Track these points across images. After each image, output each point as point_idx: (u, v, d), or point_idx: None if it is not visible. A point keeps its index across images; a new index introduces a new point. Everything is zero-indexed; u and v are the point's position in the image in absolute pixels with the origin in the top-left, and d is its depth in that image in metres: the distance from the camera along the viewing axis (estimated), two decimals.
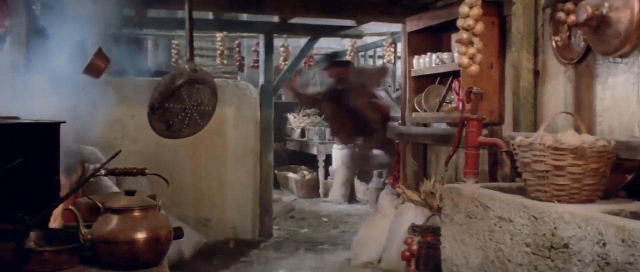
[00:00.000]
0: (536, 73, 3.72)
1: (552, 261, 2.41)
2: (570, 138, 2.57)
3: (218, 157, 6.30)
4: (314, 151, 9.84)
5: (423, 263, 4.26)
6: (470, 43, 3.63)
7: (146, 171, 2.04)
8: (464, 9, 3.61)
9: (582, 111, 3.33)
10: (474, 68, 3.66)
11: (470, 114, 3.63)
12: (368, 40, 9.52)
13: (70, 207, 1.88)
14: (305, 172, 9.86)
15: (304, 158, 10.50)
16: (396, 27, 7.32)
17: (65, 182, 2.64)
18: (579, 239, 2.28)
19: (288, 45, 8.89)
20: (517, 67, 3.70)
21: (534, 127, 3.61)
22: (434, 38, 4.93)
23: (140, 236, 1.78)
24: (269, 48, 6.86)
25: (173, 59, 8.94)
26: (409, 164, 5.40)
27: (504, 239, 2.73)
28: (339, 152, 9.43)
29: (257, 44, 7.99)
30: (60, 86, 2.79)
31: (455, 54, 4.33)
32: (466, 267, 3.02)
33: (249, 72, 9.39)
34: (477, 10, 3.59)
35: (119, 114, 5.97)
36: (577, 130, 2.74)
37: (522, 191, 2.83)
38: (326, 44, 10.63)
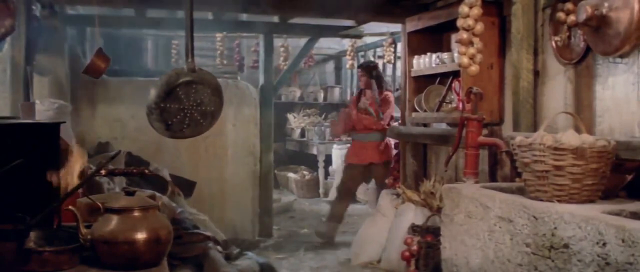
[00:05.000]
0: (536, 73, 3.71)
1: (552, 261, 2.41)
2: (570, 138, 2.57)
3: (218, 157, 6.30)
4: (314, 151, 9.84)
5: (423, 263, 4.26)
6: (470, 43, 3.63)
7: (146, 171, 2.04)
8: (464, 9, 3.62)
9: (582, 111, 3.33)
10: (474, 68, 3.66)
11: (470, 114, 3.63)
12: (368, 40, 9.50)
13: (70, 207, 1.88)
14: (305, 172, 9.87)
15: (303, 158, 10.50)
16: (396, 27, 7.31)
17: None
18: (579, 239, 2.28)
19: (288, 45, 8.89)
20: (517, 67, 3.70)
21: (534, 127, 3.60)
22: (434, 38, 4.93)
23: (141, 236, 1.78)
24: (269, 48, 6.86)
25: (173, 59, 8.93)
26: (409, 164, 5.40)
27: (504, 239, 2.73)
28: (338, 152, 9.43)
29: (257, 44, 7.98)
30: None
31: (455, 54, 4.33)
32: (466, 268, 3.02)
33: (248, 72, 9.38)
34: (477, 10, 3.60)
35: (119, 114, 5.98)
36: (577, 130, 2.73)
37: (522, 191, 2.83)
38: (326, 44, 10.63)
